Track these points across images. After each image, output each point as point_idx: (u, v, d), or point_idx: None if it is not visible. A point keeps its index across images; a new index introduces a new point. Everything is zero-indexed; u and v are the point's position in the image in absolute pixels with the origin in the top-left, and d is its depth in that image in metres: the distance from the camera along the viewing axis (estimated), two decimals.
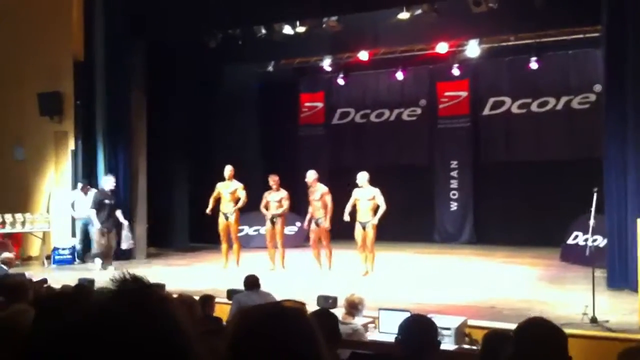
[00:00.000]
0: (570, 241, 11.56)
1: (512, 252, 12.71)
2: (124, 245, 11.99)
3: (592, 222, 7.68)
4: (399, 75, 14.91)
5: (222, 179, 11.60)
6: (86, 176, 12.90)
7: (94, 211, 11.51)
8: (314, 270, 10.77)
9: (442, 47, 13.28)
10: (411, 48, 14.19)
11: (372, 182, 10.56)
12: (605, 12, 9.39)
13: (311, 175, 10.94)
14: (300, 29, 12.65)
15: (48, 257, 12.50)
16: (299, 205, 12.84)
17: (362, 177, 10.52)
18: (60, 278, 9.45)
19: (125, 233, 11.86)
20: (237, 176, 11.61)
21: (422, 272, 10.95)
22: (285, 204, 11.12)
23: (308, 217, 10.99)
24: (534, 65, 13.48)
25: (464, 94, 15.00)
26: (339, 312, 6.06)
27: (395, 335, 3.38)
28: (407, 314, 4.93)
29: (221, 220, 11.48)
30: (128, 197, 13.11)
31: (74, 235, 12.81)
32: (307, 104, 16.84)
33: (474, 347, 5.60)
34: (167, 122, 14.40)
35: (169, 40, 13.79)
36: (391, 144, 15.80)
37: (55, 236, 12.97)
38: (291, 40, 13.00)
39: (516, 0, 11.38)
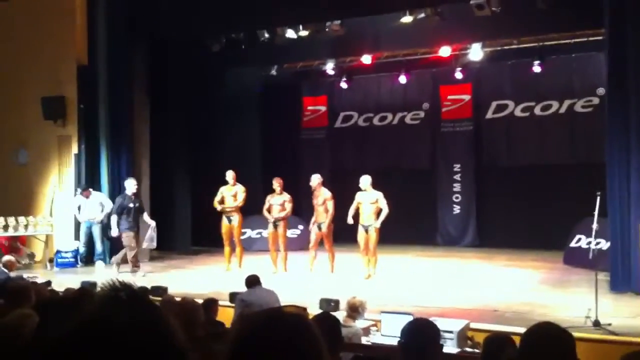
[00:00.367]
0: (573, 244, 11.55)
1: (515, 255, 12.69)
2: (145, 245, 11.77)
3: (595, 225, 7.67)
4: (402, 79, 14.91)
5: (225, 183, 11.62)
6: (89, 180, 12.95)
7: (115, 217, 11.30)
8: (316, 274, 10.77)
9: (445, 51, 13.28)
10: (414, 52, 14.20)
11: (375, 185, 10.56)
12: (608, 16, 9.38)
13: (315, 180, 10.95)
14: (303, 33, 12.68)
15: (51, 260, 12.53)
16: (301, 208, 12.85)
17: (365, 180, 10.52)
18: (63, 281, 9.47)
19: (150, 233, 11.62)
20: (239, 179, 11.63)
21: (425, 275, 10.94)
22: (288, 207, 11.13)
23: (313, 220, 11.02)
24: (537, 68, 13.46)
25: (467, 97, 15.00)
26: (341, 315, 6.07)
27: (398, 339, 3.38)
28: (410, 317, 4.92)
29: (224, 223, 11.50)
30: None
31: (77, 238, 12.83)
32: (309, 108, 16.86)
33: (477, 350, 5.60)
34: (170, 125, 14.41)
35: (172, 44, 13.81)
36: (394, 147, 15.80)
37: (58, 239, 12.99)
38: (294, 44, 13.03)
39: (519, 3, 11.37)
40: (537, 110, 14.32)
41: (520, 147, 14.57)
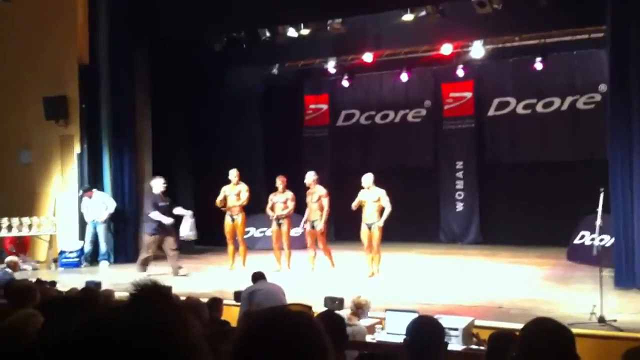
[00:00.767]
0: (577, 241, 11.54)
1: (519, 252, 12.69)
2: (184, 236, 11.57)
3: (599, 221, 7.66)
4: (404, 77, 14.91)
5: (227, 182, 11.63)
6: (92, 179, 12.96)
7: (156, 212, 11.02)
8: (319, 272, 10.77)
9: (446, 49, 13.27)
10: (416, 49, 14.19)
11: (378, 183, 10.55)
12: (610, 13, 9.37)
13: (310, 177, 10.93)
14: (305, 32, 12.68)
15: (55, 260, 12.56)
16: (303, 206, 12.82)
17: (367, 178, 10.51)
18: (68, 281, 9.48)
19: (188, 224, 11.43)
20: (242, 179, 11.63)
21: (429, 273, 10.94)
22: (291, 205, 11.13)
23: (304, 218, 11.02)
24: (538, 65, 13.46)
25: (468, 94, 15.00)
26: (345, 313, 6.08)
27: (403, 336, 3.38)
28: (414, 315, 4.92)
29: (227, 222, 11.50)
30: (134, 200, 13.17)
31: (81, 238, 12.84)
32: (311, 106, 16.86)
33: (482, 348, 5.59)
34: (171, 125, 14.43)
35: (173, 43, 13.82)
36: (396, 145, 15.80)
37: (61, 239, 13.01)
38: (295, 43, 13.03)
39: (520, 1, 11.37)
40: (539, 108, 14.32)
41: (522, 144, 14.57)
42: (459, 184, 15.11)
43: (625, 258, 8.94)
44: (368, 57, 13.97)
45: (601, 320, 6.68)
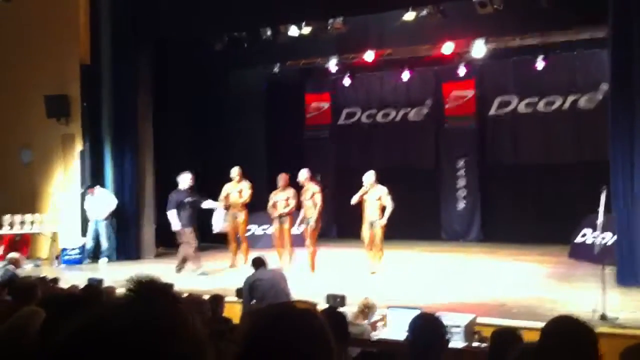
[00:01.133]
0: (579, 239, 11.54)
1: (520, 250, 12.68)
2: (217, 229, 11.44)
3: (600, 219, 7.67)
4: (405, 76, 14.90)
5: (229, 180, 11.64)
6: (94, 178, 12.98)
7: (173, 211, 10.90)
8: (321, 269, 10.78)
9: (448, 48, 13.25)
10: (417, 49, 14.16)
11: (379, 182, 10.55)
12: (611, 13, 9.37)
13: (303, 174, 10.93)
14: (306, 30, 12.67)
15: (57, 258, 12.58)
16: None
17: (369, 177, 10.51)
18: (70, 278, 9.50)
19: (218, 216, 11.34)
20: (243, 176, 11.65)
21: (431, 271, 10.95)
22: (293, 202, 11.12)
23: (300, 217, 11.05)
24: (540, 65, 13.45)
25: (470, 93, 14.98)
26: (350, 312, 6.10)
27: (405, 334, 3.39)
28: (416, 312, 4.93)
29: (230, 219, 11.51)
30: (135, 198, 13.18)
31: (83, 235, 12.87)
32: (313, 105, 16.86)
33: (484, 345, 5.60)
34: (173, 123, 14.44)
35: (175, 43, 13.82)
36: (397, 144, 15.79)
37: (63, 237, 13.03)
38: (297, 42, 13.03)
39: (522, 1, 11.36)
40: (541, 107, 14.30)
41: (524, 142, 14.56)
42: (461, 182, 15.10)
43: (627, 256, 8.95)
44: (369, 56, 13.96)
45: (603, 317, 6.70)
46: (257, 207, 12.13)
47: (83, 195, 12.81)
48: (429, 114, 15.57)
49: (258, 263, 7.57)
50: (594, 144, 13.09)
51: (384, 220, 10.32)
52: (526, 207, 14.04)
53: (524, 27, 12.33)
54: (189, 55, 14.14)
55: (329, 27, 12.53)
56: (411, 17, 11.72)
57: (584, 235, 11.38)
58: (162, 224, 11.91)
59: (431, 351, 3.32)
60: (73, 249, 12.61)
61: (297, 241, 11.46)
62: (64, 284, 7.95)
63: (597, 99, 13.42)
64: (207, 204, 11.27)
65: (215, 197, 11.60)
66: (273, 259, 11.12)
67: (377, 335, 6.25)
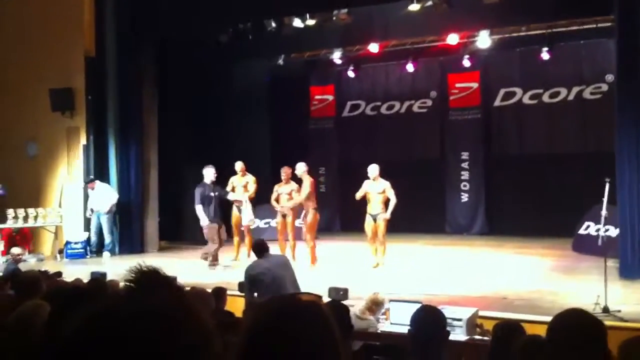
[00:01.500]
0: (582, 231, 11.53)
1: (524, 243, 12.67)
2: (246, 223, 11.25)
3: (604, 212, 7.66)
4: (410, 67, 14.86)
5: (234, 173, 11.65)
6: (98, 171, 13.02)
7: (200, 207, 10.74)
8: (324, 263, 10.80)
9: (452, 39, 13.21)
10: (422, 40, 14.14)
11: (383, 174, 10.54)
12: (617, 2, 9.32)
13: (301, 168, 10.93)
14: (310, 22, 12.64)
15: (60, 251, 12.62)
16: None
17: (373, 169, 10.50)
18: (73, 272, 9.52)
19: (246, 209, 11.14)
20: (248, 170, 11.65)
21: (434, 264, 10.95)
22: (296, 196, 11.13)
23: (303, 213, 11.08)
24: (545, 55, 13.39)
25: (474, 85, 14.94)
26: (358, 307, 6.12)
27: (407, 327, 3.40)
28: (418, 305, 4.94)
29: (234, 213, 11.53)
30: (140, 192, 13.22)
31: (87, 229, 12.91)
32: (317, 97, 16.84)
33: (486, 338, 5.61)
34: (177, 116, 14.44)
35: (179, 35, 13.80)
36: (402, 136, 15.77)
37: (67, 230, 13.07)
38: (301, 34, 13.00)
39: None
40: (546, 98, 14.26)
41: (529, 134, 14.53)
42: (465, 175, 15.08)
43: (630, 249, 8.94)
44: (374, 47, 13.92)
45: (605, 310, 6.69)
46: (260, 199, 12.14)
47: (85, 190, 12.83)
48: (433, 106, 15.53)
49: (260, 249, 7.43)
50: (599, 135, 13.06)
51: (388, 215, 10.31)
52: (530, 200, 14.01)
53: (529, 17, 12.26)
54: (193, 48, 14.12)
55: (333, 19, 12.50)
56: (416, 7, 11.68)
57: (587, 228, 11.36)
58: (165, 218, 11.91)
59: (432, 343, 3.33)
60: (76, 242, 12.65)
61: (300, 235, 11.47)
62: (67, 278, 7.97)
63: (603, 89, 13.36)
64: (232, 195, 11.19)
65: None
66: (276, 252, 11.17)
67: (379, 328, 6.26)
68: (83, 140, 13.37)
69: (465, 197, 15.08)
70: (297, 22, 12.64)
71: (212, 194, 10.81)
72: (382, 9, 12.39)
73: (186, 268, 10.64)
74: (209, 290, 6.31)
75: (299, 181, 11.03)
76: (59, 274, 8.36)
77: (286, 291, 6.80)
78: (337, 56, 15.02)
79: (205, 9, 12.36)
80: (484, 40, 13.39)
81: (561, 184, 13.54)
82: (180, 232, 14.56)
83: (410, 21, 12.21)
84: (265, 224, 13.92)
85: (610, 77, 12.49)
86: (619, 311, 6.71)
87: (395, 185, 10.44)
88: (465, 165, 15.06)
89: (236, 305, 7.01)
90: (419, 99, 15.65)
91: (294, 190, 11.08)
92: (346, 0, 11.89)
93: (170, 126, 14.02)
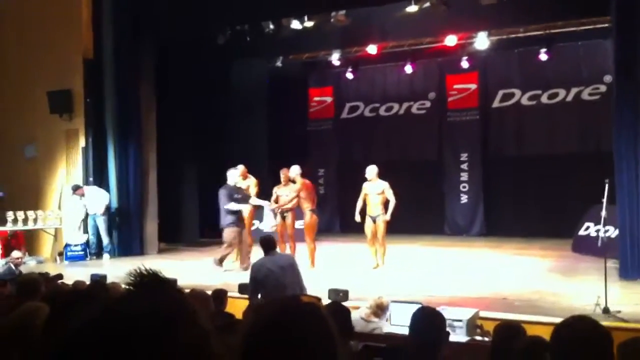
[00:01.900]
0: (582, 232, 11.53)
1: (523, 244, 12.68)
2: (267, 229, 10.91)
3: (603, 212, 7.66)
4: (408, 69, 14.87)
5: None
6: (97, 173, 13.02)
7: (232, 203, 10.52)
8: (324, 264, 10.79)
9: (451, 40, 13.23)
10: (420, 41, 14.15)
11: (382, 175, 10.54)
12: (615, 3, 9.33)
13: (295, 171, 10.92)
14: (309, 24, 12.65)
15: (60, 254, 12.61)
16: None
17: (371, 170, 10.50)
18: (73, 274, 9.52)
19: (267, 214, 10.98)
20: (248, 174, 11.64)
21: (433, 265, 10.95)
22: (292, 195, 11.09)
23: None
24: (543, 56, 13.41)
25: (473, 86, 14.95)
26: (363, 310, 6.11)
27: (407, 327, 3.41)
28: (418, 306, 4.93)
29: None
30: (139, 193, 13.20)
31: (85, 231, 12.91)
32: (316, 99, 16.85)
33: (486, 339, 5.60)
34: (176, 118, 14.44)
35: (177, 37, 13.80)
36: (401, 137, 15.78)
37: (67, 233, 13.06)
38: (299, 35, 13.01)
39: None
40: (544, 99, 14.27)
41: (527, 135, 14.53)
42: (464, 176, 15.09)
43: (630, 249, 8.93)
44: (372, 49, 13.94)
45: (605, 311, 6.69)
46: None
47: (80, 195, 12.79)
48: (432, 107, 15.54)
49: (267, 246, 7.25)
50: (598, 136, 13.08)
51: (388, 216, 10.31)
52: (529, 200, 14.03)
53: (527, 18, 12.28)
54: (191, 49, 14.13)
55: (331, 20, 12.50)
56: (414, 9, 11.69)
57: (587, 229, 11.37)
58: (165, 220, 11.90)
59: (432, 344, 3.34)
60: (76, 245, 12.64)
61: (300, 236, 11.46)
62: (67, 280, 7.96)
63: (601, 90, 13.37)
64: (254, 200, 11.01)
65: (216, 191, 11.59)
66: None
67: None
68: (82, 142, 13.35)
69: (464, 198, 15.09)
70: (296, 24, 12.64)
71: (235, 195, 10.65)
72: (381, 11, 12.40)
73: (186, 270, 10.63)
74: (209, 293, 6.31)
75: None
76: (60, 276, 8.34)
77: (291, 292, 6.79)
78: (335, 58, 15.03)
79: (204, 11, 12.36)
80: (482, 41, 13.40)
81: (560, 185, 13.55)
82: (179, 234, 14.57)
83: (408, 23, 12.22)
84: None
85: (608, 78, 12.50)
86: (619, 312, 6.70)
87: (394, 186, 10.44)
88: (464, 166, 15.07)
89: (237, 307, 6.99)
90: (417, 101, 15.66)
91: (293, 192, 11.06)
92: (344, 1, 11.89)
93: (169, 127, 14.02)
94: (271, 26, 12.88)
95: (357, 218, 10.59)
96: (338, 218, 15.92)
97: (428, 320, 3.43)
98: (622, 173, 9.06)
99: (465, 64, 14.35)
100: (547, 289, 8.50)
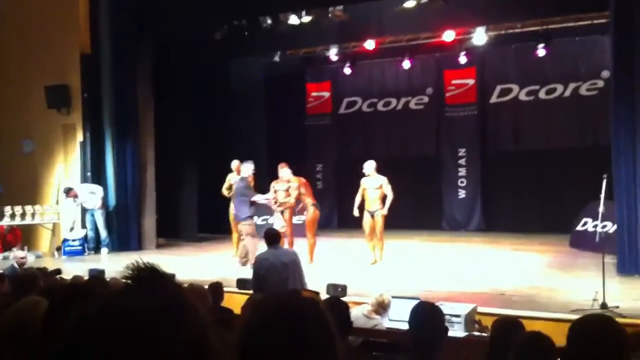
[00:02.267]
0: (579, 228, 11.55)
1: (521, 240, 12.70)
2: (278, 226, 10.60)
3: (601, 208, 7.67)
4: (406, 64, 14.84)
5: (230, 169, 11.63)
6: (95, 168, 13.00)
7: (259, 195, 10.43)
8: (323, 259, 10.80)
9: (448, 35, 13.21)
10: (418, 36, 14.14)
11: (380, 171, 10.54)
12: (614, 0, 9.33)
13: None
14: (306, 19, 12.62)
15: (58, 249, 12.60)
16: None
17: (369, 165, 10.51)
18: (72, 269, 9.52)
19: (276, 215, 10.97)
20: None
21: (431, 260, 10.96)
22: (293, 192, 11.11)
23: (300, 206, 11.13)
24: (541, 52, 13.39)
25: (471, 81, 14.94)
26: (366, 307, 6.12)
27: (406, 323, 3.41)
28: (417, 301, 4.94)
29: (231, 210, 11.51)
30: (137, 188, 13.20)
31: (84, 226, 12.89)
32: (313, 94, 16.82)
33: (484, 334, 5.61)
34: (174, 113, 14.42)
35: (175, 32, 13.77)
36: (399, 132, 15.77)
37: (65, 228, 13.05)
38: (297, 30, 12.97)
39: None
40: (542, 94, 14.27)
41: (525, 130, 14.53)
42: (462, 171, 15.08)
43: (628, 245, 8.96)
44: (370, 44, 13.91)
45: (603, 306, 6.70)
46: None
47: (75, 198, 12.77)
48: (430, 102, 15.53)
49: (271, 239, 7.21)
50: (596, 131, 13.09)
51: (385, 210, 10.32)
52: (527, 196, 14.04)
53: (525, 14, 12.26)
54: (189, 44, 14.09)
55: (329, 15, 12.48)
56: (412, 4, 11.69)
57: (584, 224, 11.38)
58: (163, 215, 11.89)
59: (431, 339, 3.34)
60: (74, 240, 12.63)
61: (299, 231, 11.47)
62: (65, 275, 7.95)
63: (599, 85, 13.38)
64: (258, 197, 10.78)
65: (217, 186, 11.59)
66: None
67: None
68: (79, 137, 13.34)
69: (462, 194, 15.09)
70: (293, 19, 12.61)
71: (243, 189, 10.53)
72: (378, 6, 12.37)
73: (184, 265, 10.64)
74: (206, 287, 6.30)
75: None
76: (58, 271, 8.34)
77: (292, 286, 6.79)
78: (333, 53, 15.01)
79: (201, 6, 12.32)
80: (479, 36, 13.39)
81: (558, 180, 13.57)
82: (177, 229, 14.56)
83: (406, 18, 12.21)
84: (263, 220, 13.90)
85: (606, 73, 12.51)
86: (617, 307, 6.72)
87: (392, 181, 10.44)
88: (462, 161, 15.07)
89: (234, 301, 6.99)
90: (415, 96, 15.64)
91: (291, 187, 11.07)
92: None
93: (166, 122, 14.00)
94: (269, 21, 12.85)
95: (356, 213, 10.60)
96: (336, 213, 15.92)
97: (427, 315, 3.42)
98: (620, 168, 9.08)
99: (463, 59, 14.33)
100: (545, 284, 8.53)
